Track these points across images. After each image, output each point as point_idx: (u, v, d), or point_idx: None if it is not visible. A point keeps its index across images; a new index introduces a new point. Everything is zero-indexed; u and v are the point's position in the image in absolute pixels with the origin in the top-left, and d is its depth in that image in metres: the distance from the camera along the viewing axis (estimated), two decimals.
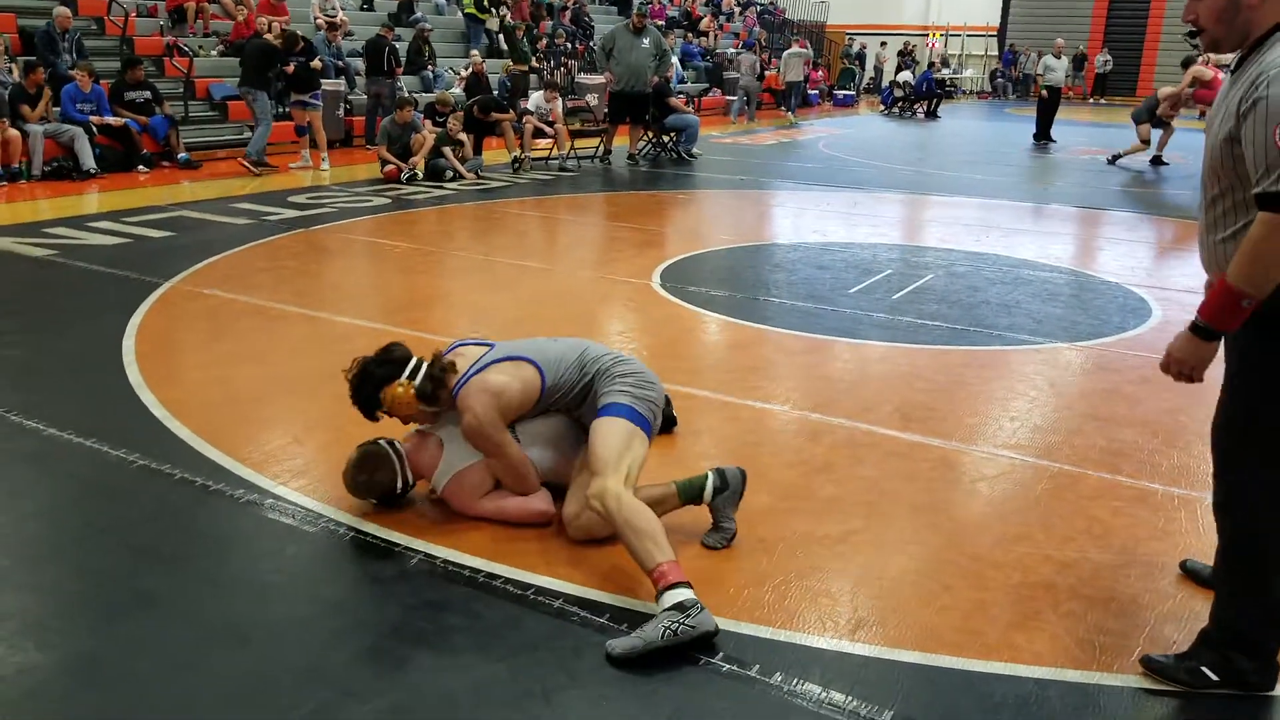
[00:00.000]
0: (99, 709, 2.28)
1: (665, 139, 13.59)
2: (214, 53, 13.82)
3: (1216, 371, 2.36)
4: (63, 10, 11.49)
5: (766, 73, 24.08)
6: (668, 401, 3.83)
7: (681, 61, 20.92)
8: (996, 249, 7.98)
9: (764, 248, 8.03)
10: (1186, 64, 12.88)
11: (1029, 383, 4.76)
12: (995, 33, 34.06)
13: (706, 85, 22.22)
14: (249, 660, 2.47)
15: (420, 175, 10.68)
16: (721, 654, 2.52)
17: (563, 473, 3.26)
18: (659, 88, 13.04)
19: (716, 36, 24.90)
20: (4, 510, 3.20)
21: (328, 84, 12.80)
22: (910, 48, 29.62)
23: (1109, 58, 30.98)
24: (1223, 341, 2.30)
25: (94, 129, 10.46)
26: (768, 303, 6.13)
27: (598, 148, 12.96)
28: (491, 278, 6.69)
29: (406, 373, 3.17)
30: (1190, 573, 2.97)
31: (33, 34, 11.57)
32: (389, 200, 9.50)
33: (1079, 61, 29.81)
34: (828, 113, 23.90)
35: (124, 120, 10.80)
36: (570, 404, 3.25)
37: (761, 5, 29.47)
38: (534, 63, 17.31)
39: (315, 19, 14.60)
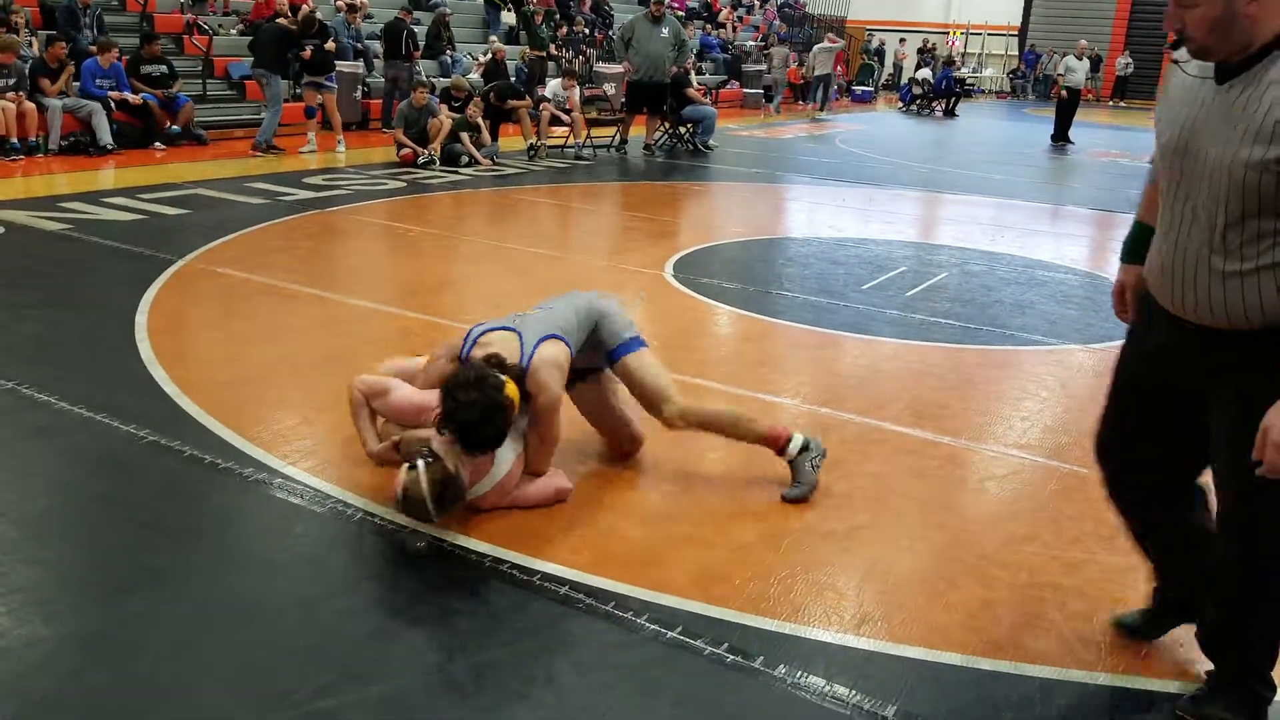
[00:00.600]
0: (104, 684, 2.28)
1: (682, 130, 13.55)
2: (233, 31, 13.82)
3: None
4: None
5: (787, 67, 24.04)
6: None
7: (700, 53, 20.87)
8: (1011, 249, 7.95)
9: (777, 241, 8.00)
10: None
11: (1041, 383, 4.74)
12: (1016, 32, 33.85)
13: (725, 78, 22.15)
14: (253, 638, 2.48)
15: (436, 160, 10.67)
16: (726, 645, 2.52)
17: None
18: (677, 78, 13.00)
19: (736, 29, 24.81)
20: (15, 484, 3.21)
21: (346, 66, 12.80)
22: (930, 45, 29.46)
23: (1130, 60, 30.76)
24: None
25: (112, 105, 10.48)
26: (780, 296, 6.11)
27: (614, 137, 12.93)
28: (504, 264, 6.68)
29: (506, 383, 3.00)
30: (1125, 627, 2.66)
31: (54, 9, 11.60)
32: (404, 184, 9.50)
33: (1095, 63, 29.61)
34: (845, 108, 23.79)
35: (142, 97, 10.80)
36: (576, 362, 3.32)
37: None
38: (552, 50, 17.27)
39: (335, 1, 14.59)
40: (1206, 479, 2.30)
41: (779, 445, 3.39)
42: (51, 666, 2.34)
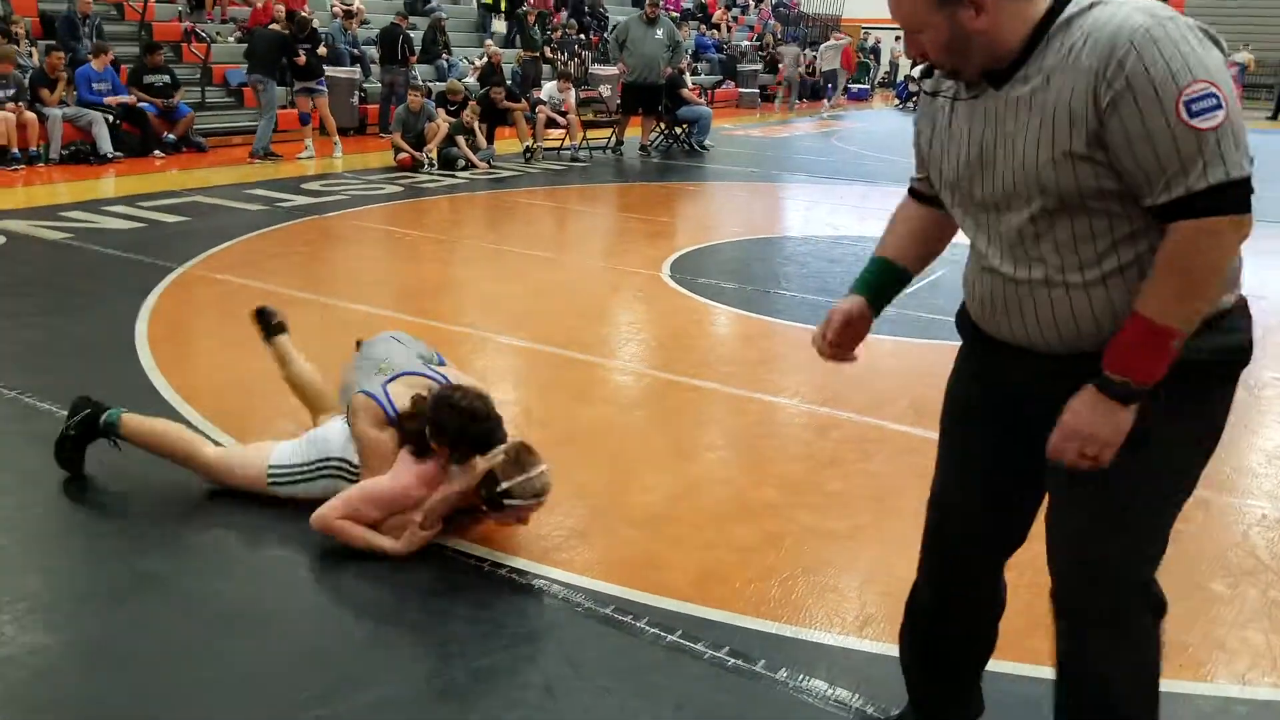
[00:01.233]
0: (105, 691, 2.28)
1: (677, 130, 13.55)
2: (231, 39, 13.84)
3: None
4: None
5: (780, 65, 24.12)
6: None
7: (695, 54, 20.92)
8: None
9: (775, 240, 8.00)
10: None
11: None
12: None
13: (720, 78, 22.16)
14: (253, 644, 2.48)
15: (434, 164, 10.67)
16: (727, 648, 2.51)
17: None
18: (672, 79, 13.00)
19: (730, 29, 24.81)
20: (15, 492, 3.21)
21: (343, 72, 12.81)
22: None
23: None
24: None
25: (113, 114, 10.46)
26: (778, 296, 6.11)
27: (609, 138, 12.93)
28: (501, 267, 6.68)
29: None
30: None
31: (54, 19, 11.61)
32: (401, 188, 9.50)
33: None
34: (841, 107, 23.78)
35: (138, 100, 10.79)
36: None
37: None
38: (546, 52, 17.28)
39: (332, 7, 14.61)
40: None
41: None
42: (54, 674, 2.34)
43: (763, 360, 4.92)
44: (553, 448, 3.19)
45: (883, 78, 31.04)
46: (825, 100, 21.99)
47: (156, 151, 10.78)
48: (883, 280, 2.06)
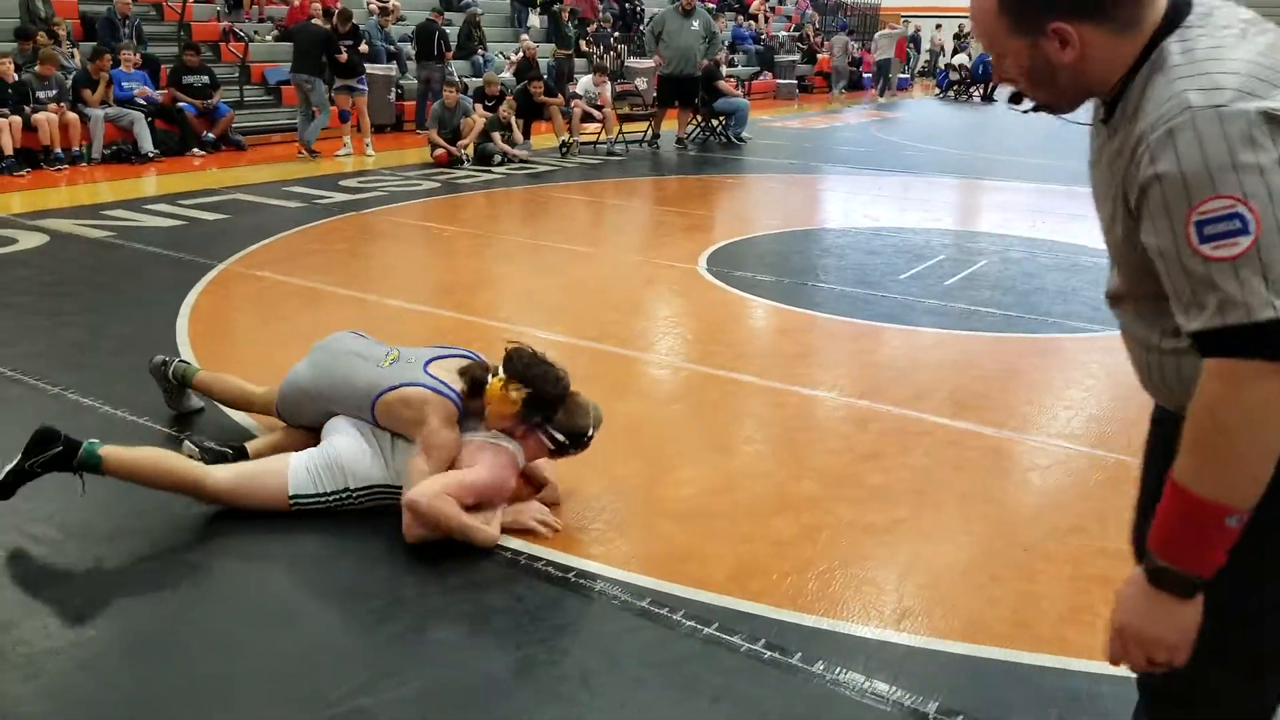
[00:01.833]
0: (146, 683, 2.31)
1: (714, 123, 13.49)
2: (269, 38, 13.98)
3: None
4: None
5: (819, 56, 24.03)
6: None
7: (731, 45, 20.86)
8: (1054, 235, 7.81)
9: (813, 232, 7.94)
10: None
11: (1085, 371, 4.65)
12: None
13: (757, 69, 22.04)
14: (293, 638, 2.49)
15: (470, 159, 10.71)
16: (763, 641, 2.49)
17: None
18: (708, 71, 12.94)
19: (767, 19, 24.66)
20: (60, 488, 3.25)
21: (379, 69, 12.89)
22: (966, 31, 29.08)
23: None
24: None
25: (146, 112, 10.61)
26: (816, 288, 6.06)
27: (646, 132, 12.91)
28: (538, 261, 6.69)
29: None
30: None
31: (94, 20, 11.79)
32: (438, 184, 9.55)
33: None
34: (897, 96, 23.57)
35: (172, 99, 10.94)
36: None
37: None
38: (582, 46, 17.28)
39: (369, 4, 14.70)
40: None
41: None
42: (97, 666, 2.37)
43: (801, 353, 4.88)
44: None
45: (923, 67, 30.70)
46: (876, 90, 22.30)
47: (195, 150, 10.92)
48: None
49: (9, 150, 9.37)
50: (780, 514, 3.17)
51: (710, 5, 20.09)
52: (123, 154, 10.35)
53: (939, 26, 31.02)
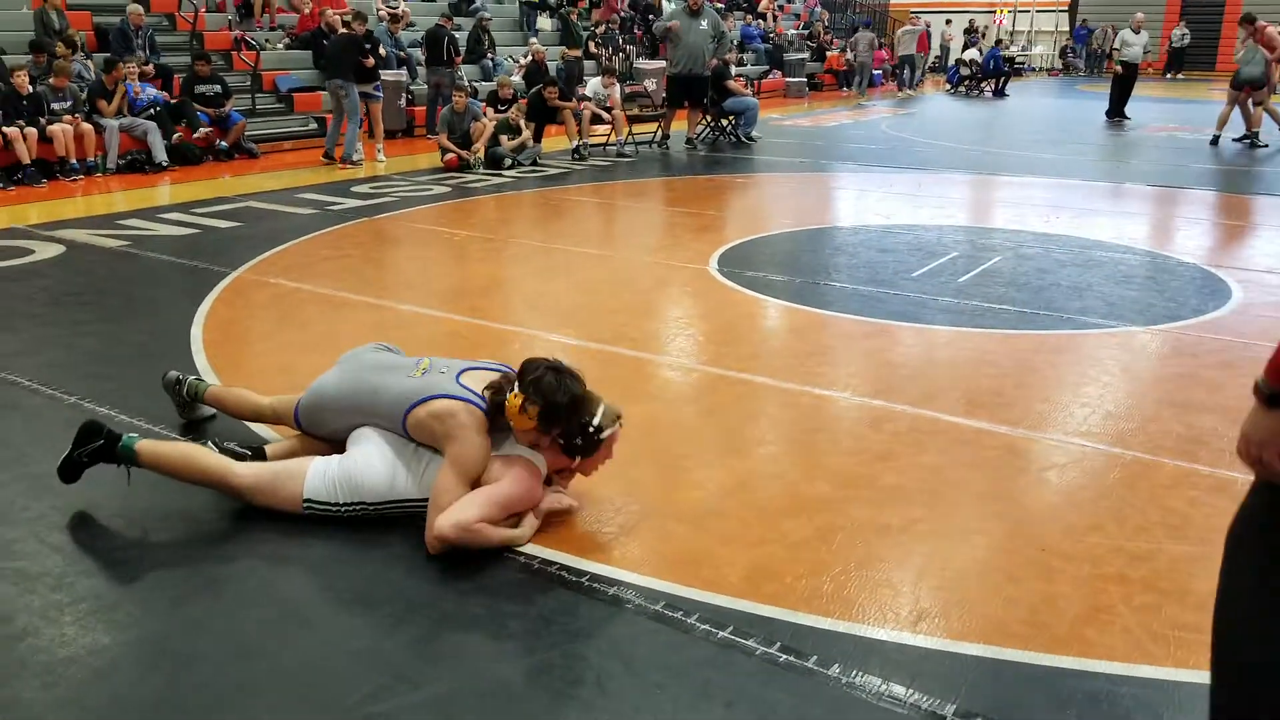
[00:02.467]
0: (164, 691, 2.32)
1: (724, 122, 13.47)
2: (280, 46, 14.04)
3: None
4: (135, 7, 11.77)
5: (828, 54, 24.03)
6: None
7: (740, 44, 20.85)
8: (1067, 230, 7.77)
9: (824, 231, 7.92)
10: (1249, 21, 12.05)
11: (1101, 368, 4.62)
12: (1066, 7, 33.17)
13: (766, 68, 22.01)
14: (308, 644, 2.50)
15: (480, 163, 10.73)
16: (778, 644, 2.48)
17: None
18: (717, 70, 12.92)
19: (776, 18, 24.63)
20: (77, 495, 3.27)
21: (389, 75, 12.91)
22: (976, 25, 28.99)
23: (1186, 32, 29.97)
24: None
25: (156, 113, 10.68)
26: (828, 287, 6.04)
27: (655, 133, 12.90)
28: (550, 264, 6.69)
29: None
30: None
31: (107, 31, 11.87)
32: (449, 188, 9.57)
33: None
34: (891, 92, 23.52)
35: (179, 100, 11.02)
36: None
37: None
38: (591, 48, 17.28)
39: (379, 11, 14.75)
40: None
41: None
42: (115, 673, 2.38)
43: (813, 353, 4.86)
44: None
45: (933, 63, 30.62)
46: (898, 86, 22.90)
47: (202, 129, 10.97)
48: None
49: (25, 161, 9.44)
50: (794, 515, 3.16)
51: (719, 4, 20.08)
52: (137, 163, 10.41)
53: (949, 22, 30.94)
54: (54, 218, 7.92)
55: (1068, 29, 33.27)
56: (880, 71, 25.14)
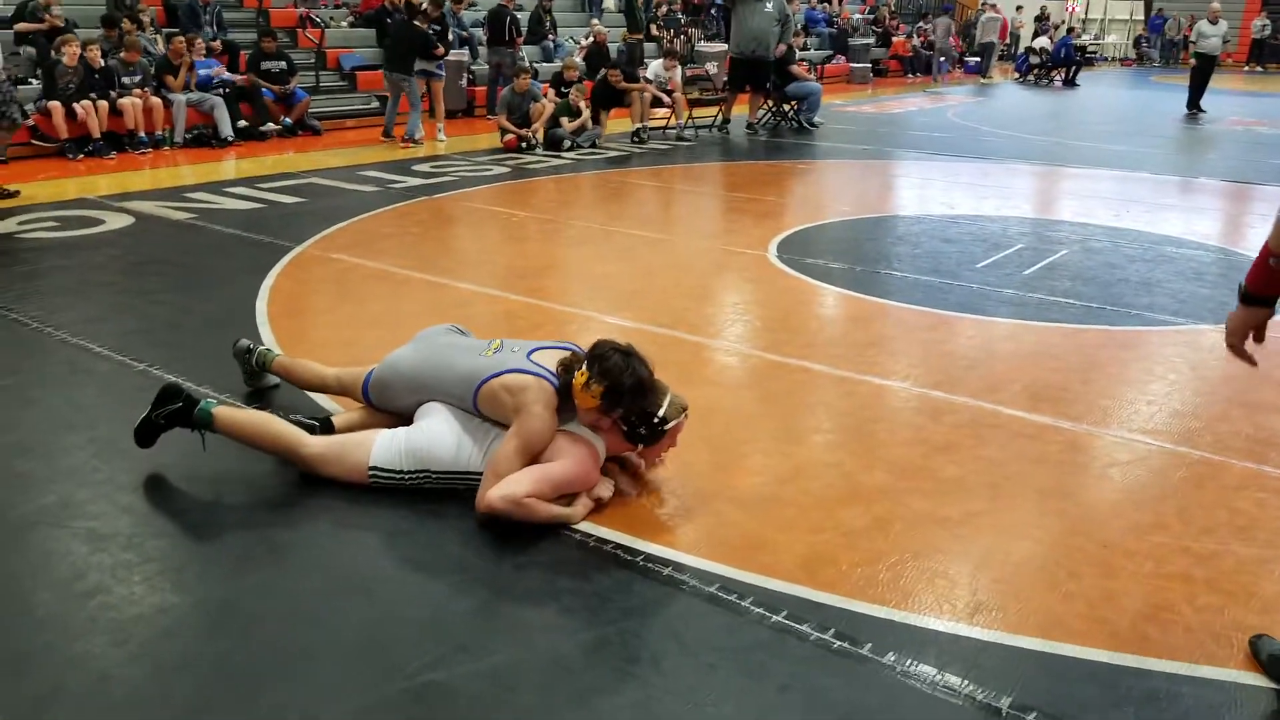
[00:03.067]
0: (229, 650, 2.38)
1: (786, 108, 13.35)
2: (344, 24, 14.19)
3: None
4: None
5: (894, 39, 23.72)
6: None
7: (805, 28, 20.65)
8: (1137, 224, 7.59)
9: (886, 220, 7.82)
10: None
11: (1169, 365, 4.52)
12: None
13: (830, 52, 21.77)
14: (370, 611, 2.54)
15: (540, 145, 10.76)
16: (833, 630, 2.47)
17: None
18: (781, 55, 12.80)
19: (841, 2, 24.32)
20: (146, 459, 3.36)
21: (452, 55, 12.99)
22: (1048, 13, 28.37)
23: (1267, 22, 29.03)
24: None
25: (223, 93, 10.86)
26: (889, 276, 5.97)
27: (716, 116, 12.83)
28: (607, 247, 6.70)
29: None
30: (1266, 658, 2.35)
31: (176, 7, 12.10)
32: (508, 169, 9.61)
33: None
34: (958, 80, 23.14)
35: (250, 83, 11.18)
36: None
37: None
38: (653, 30, 17.22)
39: None
40: None
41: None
42: (182, 632, 2.45)
43: (872, 342, 4.82)
44: None
45: (1002, 51, 30.04)
46: (980, 73, 23.39)
47: (270, 125, 11.13)
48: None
49: (96, 134, 9.67)
50: (851, 504, 3.14)
51: None
52: (203, 138, 10.61)
53: (1020, 8, 30.30)
54: (123, 189, 8.11)
55: (1143, 18, 32.41)
56: (946, 59, 24.73)
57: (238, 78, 11.17)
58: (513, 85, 11.08)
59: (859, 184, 9.76)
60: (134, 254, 6.12)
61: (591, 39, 14.95)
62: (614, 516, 3.02)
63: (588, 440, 3.04)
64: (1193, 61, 16.43)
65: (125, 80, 10.13)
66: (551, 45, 15.51)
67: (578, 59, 14.35)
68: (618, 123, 12.14)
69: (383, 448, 3.09)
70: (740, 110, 13.03)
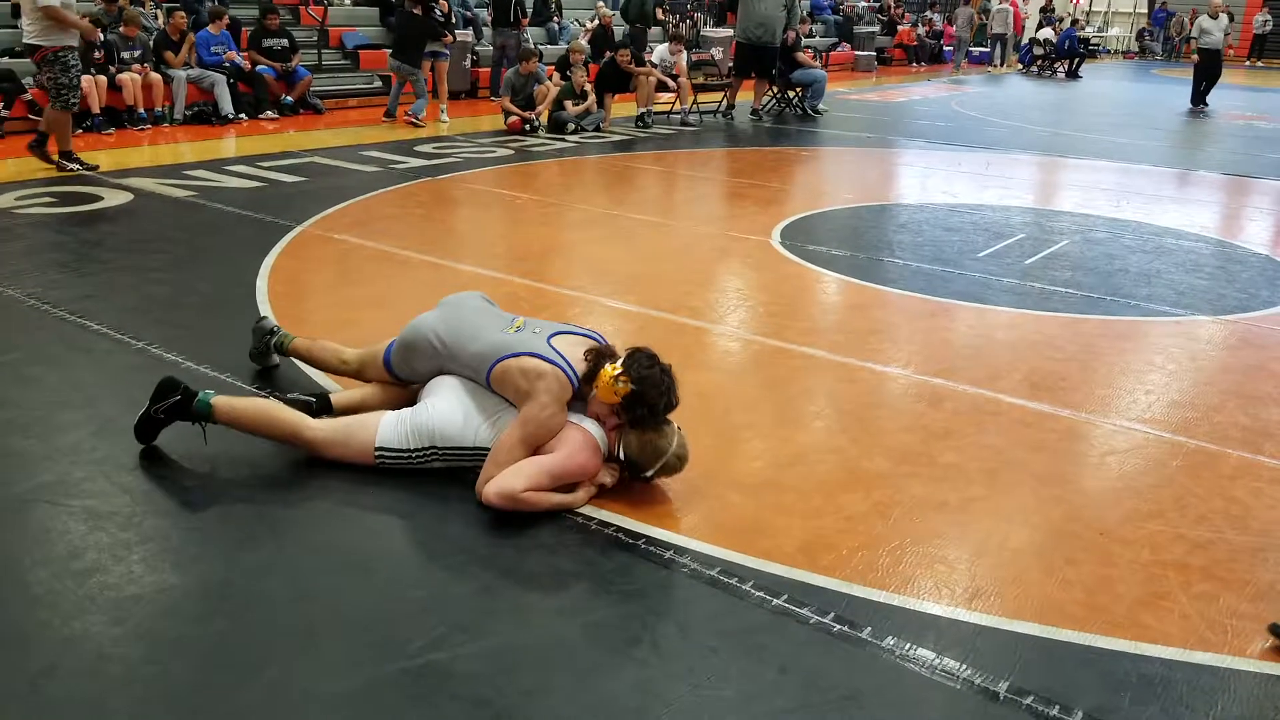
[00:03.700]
0: (229, 629, 2.38)
1: (791, 94, 13.31)
2: (347, 1, 14.11)
3: None
4: None
5: (899, 28, 23.66)
6: None
7: (810, 15, 20.58)
8: (1137, 216, 7.59)
9: (889, 208, 7.82)
10: None
11: (1167, 355, 4.53)
12: None
13: (835, 40, 21.69)
14: (369, 591, 2.55)
15: (543, 127, 10.73)
16: (833, 614, 2.48)
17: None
18: (788, 42, 12.75)
19: None
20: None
21: (456, 35, 12.94)
22: (1052, 4, 28.27)
23: (1268, 18, 28.95)
24: None
25: (235, 67, 10.81)
26: (891, 264, 5.97)
27: (721, 102, 12.79)
28: (611, 231, 6.69)
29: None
30: None
31: None
32: (512, 151, 9.59)
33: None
34: (962, 70, 23.07)
35: (253, 64, 11.13)
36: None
37: None
38: (658, 14, 17.14)
39: None
40: None
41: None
42: (180, 611, 2.45)
43: (874, 329, 4.82)
44: None
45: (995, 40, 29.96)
46: (991, 64, 23.74)
47: (269, 112, 11.09)
48: None
49: (95, 109, 9.63)
50: (851, 489, 3.15)
51: None
52: (203, 115, 10.57)
53: (1026, 0, 30.18)
54: (122, 166, 8.08)
55: (1146, 11, 32.30)
56: (952, 48, 24.66)
57: (243, 62, 11.09)
58: (518, 67, 11.03)
59: (862, 171, 9.74)
60: (133, 231, 6.10)
61: (596, 21, 14.88)
62: (616, 500, 3.02)
63: (589, 431, 3.03)
64: (1195, 57, 16.36)
65: (124, 55, 10.08)
66: (556, 27, 15.44)
67: (581, 41, 14.28)
68: (622, 107, 12.10)
69: (389, 428, 3.09)
70: (745, 96, 12.99)
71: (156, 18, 11.25)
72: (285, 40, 11.59)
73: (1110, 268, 5.99)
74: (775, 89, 13.18)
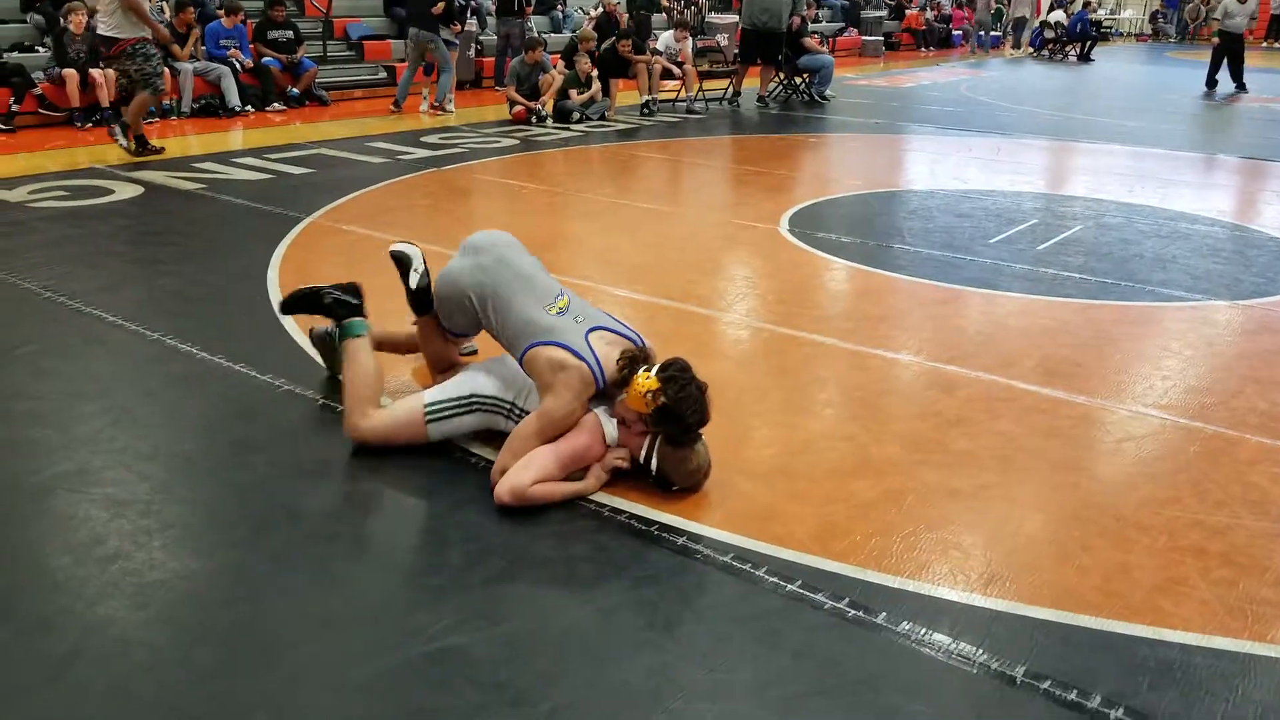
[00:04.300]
0: (250, 614, 2.39)
1: (797, 80, 13.26)
2: None
3: None
4: None
5: (907, 12, 23.55)
6: None
7: (817, 1, 20.49)
8: (1152, 200, 7.55)
9: (898, 194, 7.79)
10: None
11: (1183, 341, 4.51)
12: None
13: (842, 25, 21.59)
14: (386, 577, 2.56)
15: (549, 116, 10.71)
16: (847, 600, 2.48)
17: None
18: (794, 27, 12.70)
19: None
20: (162, 427, 3.38)
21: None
22: None
23: None
24: None
25: (237, 66, 10.82)
26: (901, 251, 5.95)
27: (727, 89, 12.75)
28: (618, 220, 6.68)
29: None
30: None
31: None
32: (517, 141, 9.58)
33: None
34: (977, 55, 22.95)
35: (260, 56, 11.12)
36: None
37: None
38: (664, 1, 17.09)
39: None
40: None
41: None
42: (201, 597, 2.47)
43: (884, 316, 4.81)
44: None
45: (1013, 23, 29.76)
46: (1009, 47, 24.17)
47: (276, 104, 11.09)
48: None
49: (105, 103, 9.64)
50: (863, 476, 3.14)
51: None
52: (211, 108, 10.57)
53: None
54: (132, 159, 8.08)
55: None
56: (961, 32, 24.53)
57: (246, 60, 11.08)
58: (523, 57, 11.01)
59: (871, 158, 9.71)
60: (145, 224, 6.12)
61: (600, 8, 14.83)
62: (628, 486, 3.02)
63: (594, 415, 3.01)
64: (1215, 40, 16.18)
65: None
66: (560, 15, 15.40)
67: (586, 29, 14.23)
68: (627, 95, 12.07)
69: (432, 392, 3.20)
70: (751, 83, 12.94)
71: (163, 11, 11.25)
72: (290, 32, 11.59)
73: (1124, 253, 5.96)
74: (781, 75, 13.12)
